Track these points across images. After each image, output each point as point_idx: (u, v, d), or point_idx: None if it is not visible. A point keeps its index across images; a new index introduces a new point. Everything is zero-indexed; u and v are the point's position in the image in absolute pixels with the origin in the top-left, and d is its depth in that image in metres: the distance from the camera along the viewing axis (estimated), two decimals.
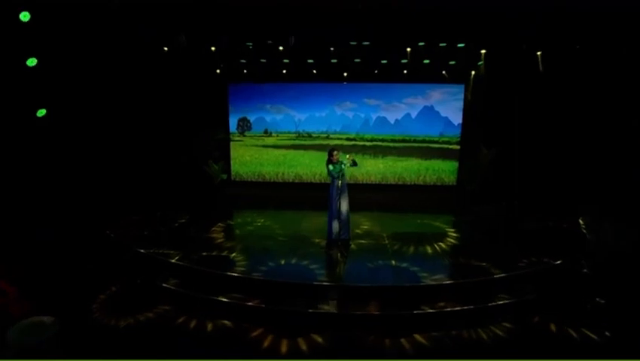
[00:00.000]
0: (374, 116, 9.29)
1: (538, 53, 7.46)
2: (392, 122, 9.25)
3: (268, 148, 9.65)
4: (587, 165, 7.32)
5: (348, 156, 5.74)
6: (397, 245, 5.86)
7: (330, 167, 5.67)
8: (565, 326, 4.15)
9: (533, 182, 7.84)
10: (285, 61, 8.37)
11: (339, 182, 5.69)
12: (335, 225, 5.79)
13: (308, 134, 9.48)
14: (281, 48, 7.31)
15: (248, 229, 6.81)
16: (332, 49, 7.56)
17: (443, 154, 9.17)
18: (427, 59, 8.01)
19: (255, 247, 5.98)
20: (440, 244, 5.96)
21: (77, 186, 6.74)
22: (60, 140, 6.43)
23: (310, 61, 8.42)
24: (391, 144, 9.31)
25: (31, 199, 5.98)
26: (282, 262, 5.22)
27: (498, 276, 4.76)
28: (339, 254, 5.49)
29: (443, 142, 9.12)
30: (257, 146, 9.65)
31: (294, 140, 9.54)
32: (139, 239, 5.90)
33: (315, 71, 8.64)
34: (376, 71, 8.49)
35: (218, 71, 8.83)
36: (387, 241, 6.01)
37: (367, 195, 8.69)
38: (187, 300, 4.64)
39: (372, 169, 9.40)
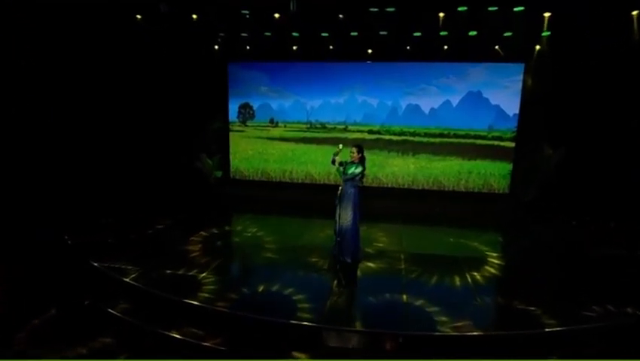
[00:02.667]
0: (404, 104, 8.67)
1: (634, 13, 6.35)
2: (427, 111, 8.59)
3: (274, 141, 9.31)
4: None
5: (341, 146, 5.17)
6: (416, 272, 5.24)
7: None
8: None
9: (615, 194, 6.99)
10: (295, 34, 7.93)
11: (340, 187, 5.13)
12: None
13: (321, 125, 9.03)
14: (277, 15, 6.70)
15: (234, 241, 6.59)
16: (341, 16, 6.82)
17: (493, 153, 8.45)
18: (473, 30, 7.24)
19: (234, 266, 5.73)
20: (475, 273, 5.24)
21: (39, 185, 6.64)
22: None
23: (325, 34, 7.92)
24: (425, 139, 8.69)
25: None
26: (260, 288, 4.70)
27: (552, 329, 4.02)
28: (335, 282, 4.86)
29: (493, 138, 8.41)
30: (260, 138, 9.33)
31: (305, 132, 9.14)
32: (99, 247, 5.64)
33: (331, 47, 8.16)
34: (408, 47, 7.92)
35: (216, 47, 8.48)
36: (403, 266, 5.43)
37: (390, 203, 8.18)
38: (133, 332, 4.26)
39: (399, 170, 8.80)
